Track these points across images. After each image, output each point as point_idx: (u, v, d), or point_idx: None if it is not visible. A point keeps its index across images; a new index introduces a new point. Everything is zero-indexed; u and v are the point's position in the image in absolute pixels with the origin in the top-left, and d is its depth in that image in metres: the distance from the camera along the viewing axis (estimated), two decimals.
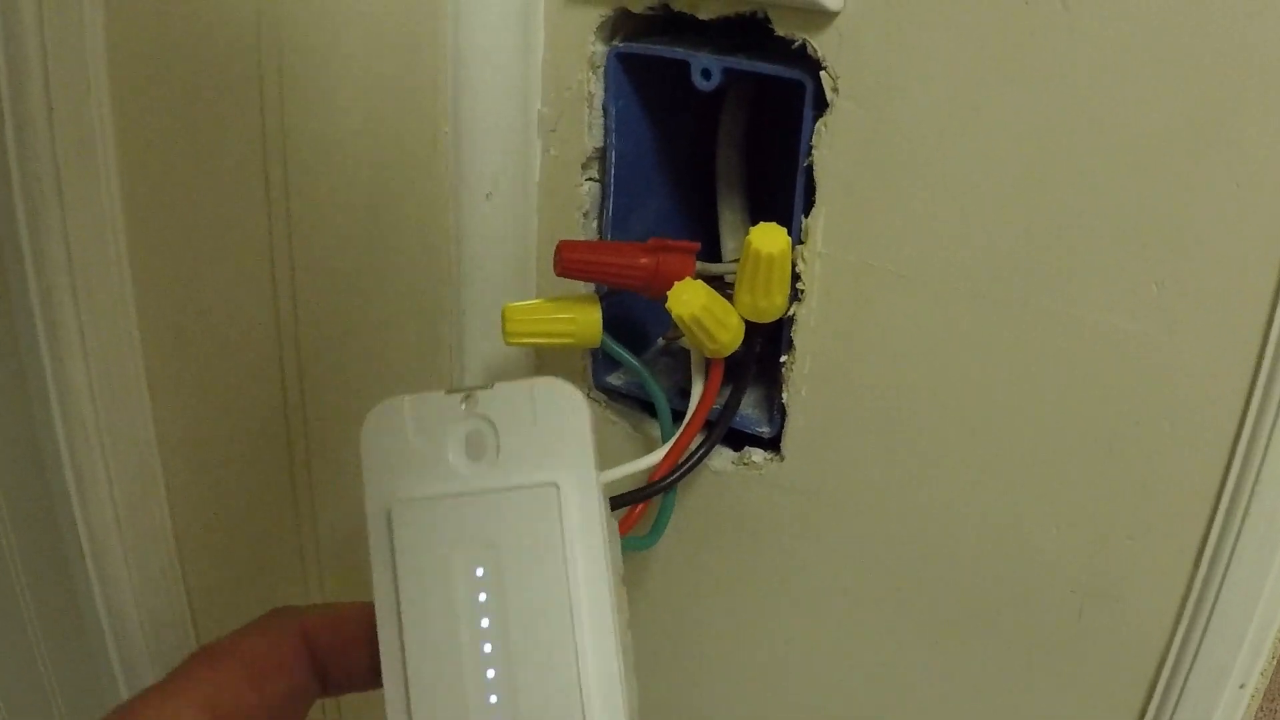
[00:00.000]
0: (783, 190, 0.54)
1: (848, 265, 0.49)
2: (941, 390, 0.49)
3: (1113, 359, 0.45)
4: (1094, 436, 0.47)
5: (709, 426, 0.53)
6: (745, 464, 0.55)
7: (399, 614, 0.36)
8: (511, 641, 0.35)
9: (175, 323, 0.47)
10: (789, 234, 0.47)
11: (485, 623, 0.35)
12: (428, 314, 0.55)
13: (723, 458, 0.55)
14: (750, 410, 0.55)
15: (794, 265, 0.49)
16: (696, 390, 0.52)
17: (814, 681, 0.58)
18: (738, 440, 0.55)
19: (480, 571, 0.36)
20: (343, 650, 0.39)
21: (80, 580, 0.46)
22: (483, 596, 0.35)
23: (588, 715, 0.35)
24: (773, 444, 0.54)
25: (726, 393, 0.52)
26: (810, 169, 0.48)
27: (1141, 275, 0.44)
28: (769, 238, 0.47)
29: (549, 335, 0.51)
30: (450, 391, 0.37)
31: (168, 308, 0.47)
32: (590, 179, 0.54)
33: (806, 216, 0.49)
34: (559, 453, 0.37)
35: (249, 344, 0.50)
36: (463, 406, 0.37)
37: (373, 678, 0.37)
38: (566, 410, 0.37)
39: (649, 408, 0.57)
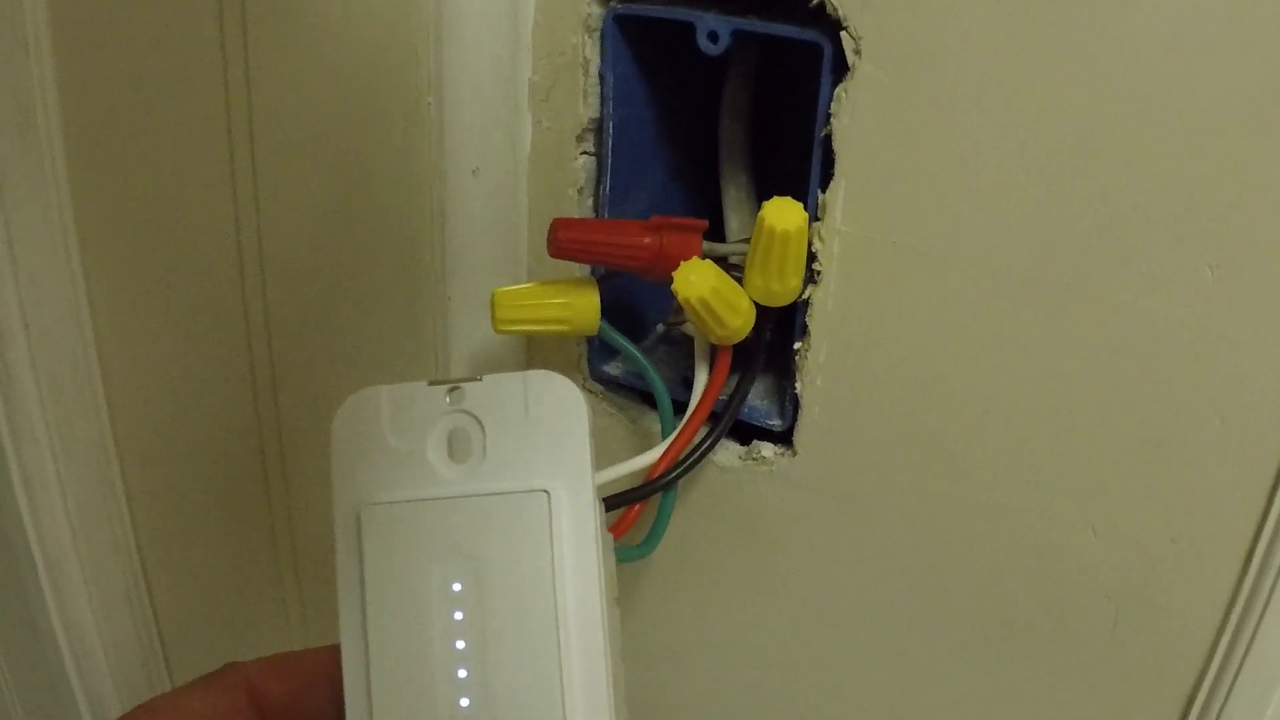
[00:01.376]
0: (791, 167, 0.50)
1: (869, 243, 0.45)
2: (969, 380, 0.45)
3: (1159, 348, 0.42)
4: (1135, 431, 0.43)
5: (714, 419, 0.49)
6: (754, 459, 0.51)
7: (364, 631, 0.32)
8: (489, 667, 0.32)
9: (131, 311, 0.43)
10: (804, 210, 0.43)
11: (461, 645, 0.32)
12: (410, 299, 0.51)
13: (729, 452, 0.52)
14: (759, 401, 0.51)
15: (809, 244, 0.45)
16: (701, 380, 0.48)
17: (829, 695, 0.55)
18: (745, 434, 0.51)
19: (458, 586, 0.32)
20: (294, 700, 0.36)
21: (34, 594, 0.42)
22: (459, 614, 0.32)
23: None
24: (784, 438, 0.50)
25: (733, 382, 0.49)
26: (828, 139, 0.45)
27: (1193, 258, 0.40)
28: (784, 213, 0.43)
29: (542, 322, 0.47)
30: (434, 383, 0.34)
31: (123, 293, 0.43)
32: (585, 153, 0.50)
33: (824, 191, 0.45)
34: (552, 456, 0.33)
35: (215, 335, 0.46)
36: (447, 400, 0.33)
37: None
38: (562, 408, 0.33)
39: (649, 399, 0.53)
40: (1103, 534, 0.45)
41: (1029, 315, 0.43)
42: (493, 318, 0.46)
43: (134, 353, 0.44)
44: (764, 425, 0.50)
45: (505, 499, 0.32)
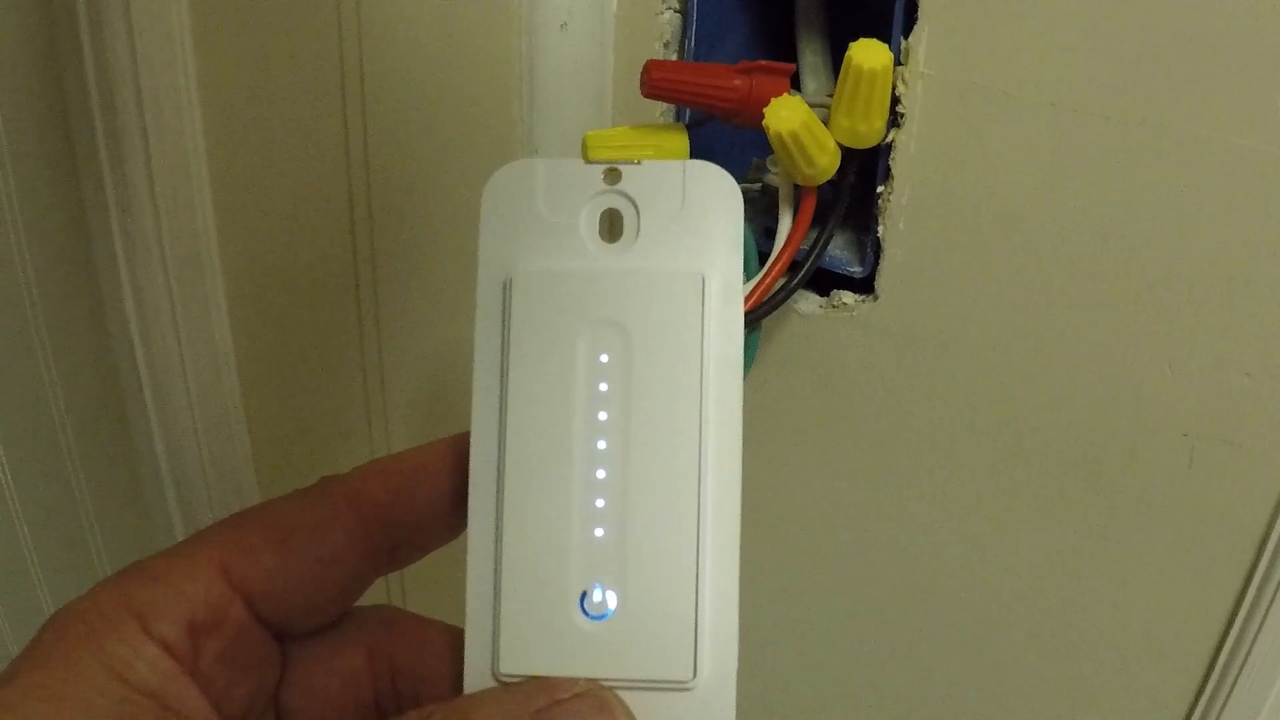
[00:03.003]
0: (864, 29, 0.52)
1: (952, 85, 0.46)
2: (1051, 219, 0.46)
3: (1235, 181, 0.43)
4: (1213, 265, 0.44)
5: (795, 268, 0.50)
6: (835, 306, 0.52)
7: (503, 396, 0.32)
8: (630, 441, 0.32)
9: (243, 145, 0.45)
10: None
11: (603, 416, 0.32)
12: (498, 149, 0.52)
13: (810, 301, 0.53)
14: (839, 251, 0.52)
15: (893, 89, 0.46)
16: (785, 223, 0.49)
17: (906, 541, 0.56)
18: (825, 286, 0.52)
19: (605, 358, 0.32)
20: (396, 499, 0.35)
21: (137, 413, 0.44)
22: (604, 386, 0.32)
23: (700, 546, 0.33)
24: (864, 286, 0.52)
25: (812, 236, 0.50)
26: None
27: (1267, 89, 0.41)
28: (871, 53, 0.44)
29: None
30: (590, 161, 0.33)
31: (236, 128, 0.44)
32: (671, 9, 0.52)
33: (907, 38, 0.46)
34: (707, 245, 0.33)
35: (317, 174, 0.48)
36: (602, 180, 0.33)
37: (437, 529, 0.35)
38: (719, 197, 0.33)
39: None
40: (1178, 370, 0.46)
41: (1108, 152, 0.44)
42: (584, 158, 0.48)
43: (243, 185, 0.45)
44: (844, 272, 0.51)
45: (661, 277, 0.32)
